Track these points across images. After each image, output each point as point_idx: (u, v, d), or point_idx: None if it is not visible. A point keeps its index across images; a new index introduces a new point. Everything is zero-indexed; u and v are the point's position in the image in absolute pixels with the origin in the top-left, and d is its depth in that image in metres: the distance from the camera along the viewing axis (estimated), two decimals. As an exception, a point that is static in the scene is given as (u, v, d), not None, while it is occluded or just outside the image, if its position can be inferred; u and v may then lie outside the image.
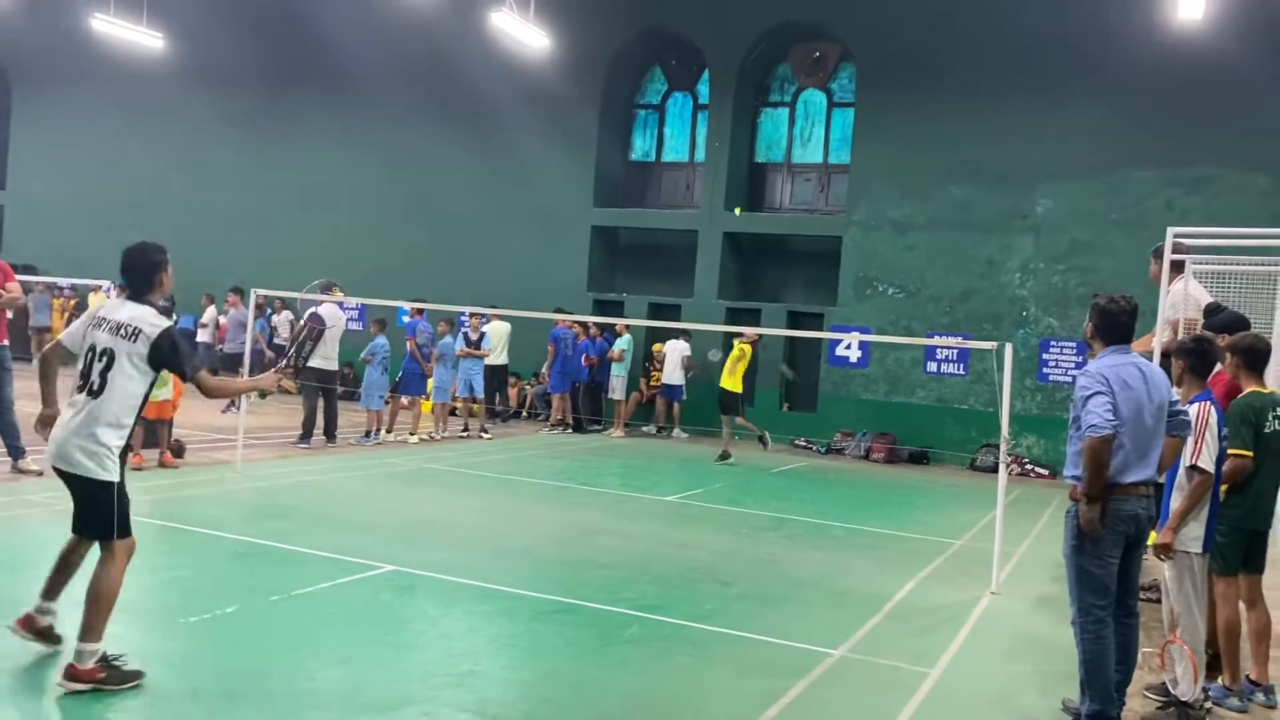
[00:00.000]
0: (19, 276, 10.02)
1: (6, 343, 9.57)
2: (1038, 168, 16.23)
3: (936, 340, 15.56)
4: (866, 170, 17.49)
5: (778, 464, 14.37)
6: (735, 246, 18.81)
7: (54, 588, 4.92)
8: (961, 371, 16.75)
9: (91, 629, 4.54)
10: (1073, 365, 15.74)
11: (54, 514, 8.05)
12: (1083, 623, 4.79)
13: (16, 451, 9.50)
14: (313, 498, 9.89)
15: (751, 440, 15.09)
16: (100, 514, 4.64)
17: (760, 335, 15.42)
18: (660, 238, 19.61)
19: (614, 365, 17.44)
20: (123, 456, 4.72)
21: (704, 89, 19.44)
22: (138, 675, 4.62)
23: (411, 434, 14.60)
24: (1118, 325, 4.91)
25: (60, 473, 4.70)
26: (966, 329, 16.44)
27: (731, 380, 14.43)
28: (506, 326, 16.64)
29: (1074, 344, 15.77)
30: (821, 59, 18.84)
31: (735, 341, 14.83)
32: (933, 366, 16.98)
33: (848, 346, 17.39)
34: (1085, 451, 4.62)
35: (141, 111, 23.30)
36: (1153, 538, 5.17)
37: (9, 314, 9.76)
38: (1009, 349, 8.08)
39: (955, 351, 16.68)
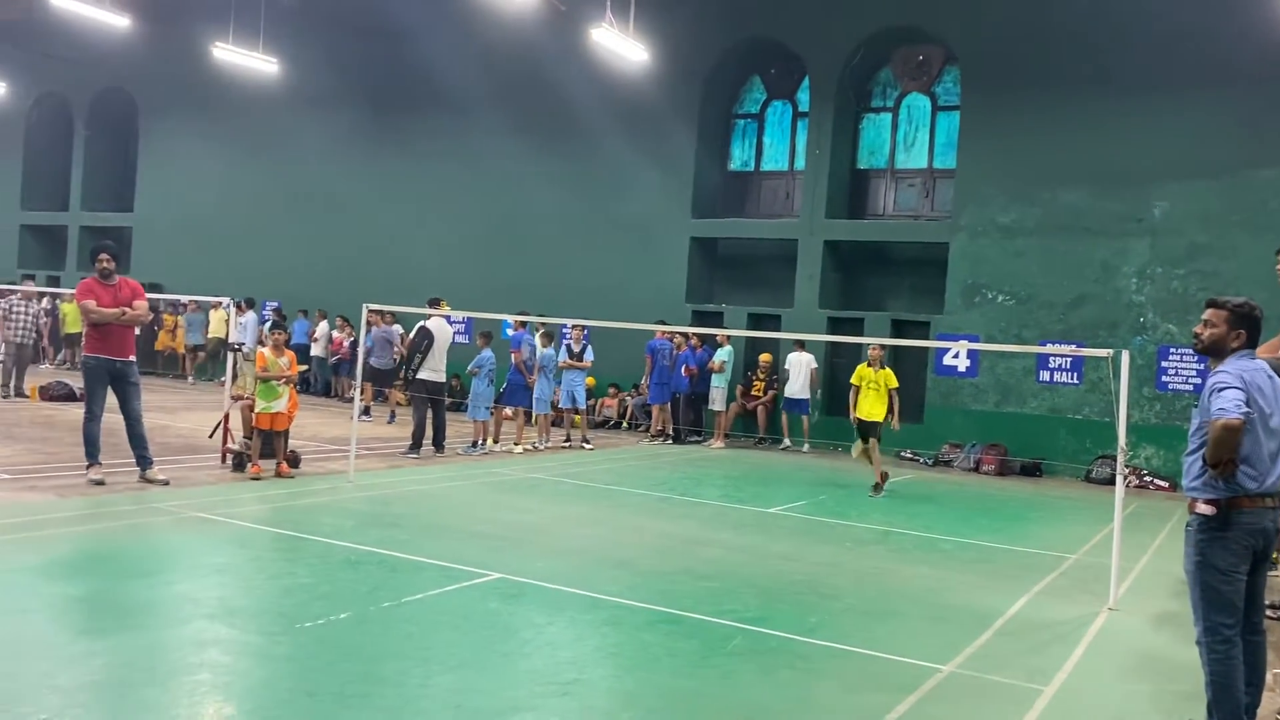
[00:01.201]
0: (149, 295, 10.49)
1: (134, 358, 10.03)
2: (1154, 169, 15.65)
3: (1049, 348, 15.11)
4: (973, 174, 17.12)
5: (883, 475, 14.11)
6: (836, 255, 18.61)
7: None
8: (1075, 380, 16.23)
9: None
10: (1194, 373, 15.11)
11: (180, 521, 8.43)
12: (1209, 642, 4.59)
13: (145, 462, 9.96)
14: (422, 506, 10.12)
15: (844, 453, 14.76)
16: None
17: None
18: (759, 247, 19.53)
19: (714, 376, 17.40)
20: None
21: (804, 96, 19.31)
22: None
23: (516, 444, 14.81)
24: (1259, 333, 4.81)
25: None
26: (1080, 337, 15.92)
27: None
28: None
29: (1195, 351, 15.13)
30: (925, 62, 18.54)
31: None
32: (1045, 375, 16.48)
33: (955, 355, 17.01)
34: (1211, 432, 4.45)
35: (257, 135, 24.28)
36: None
37: (136, 330, 10.23)
38: (1125, 356, 7.81)
39: (1069, 360, 16.17)
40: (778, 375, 18.05)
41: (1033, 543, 10.23)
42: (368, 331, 18.98)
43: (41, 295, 21.56)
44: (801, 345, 17.28)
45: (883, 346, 12.99)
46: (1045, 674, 5.79)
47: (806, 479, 13.83)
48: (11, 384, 16.91)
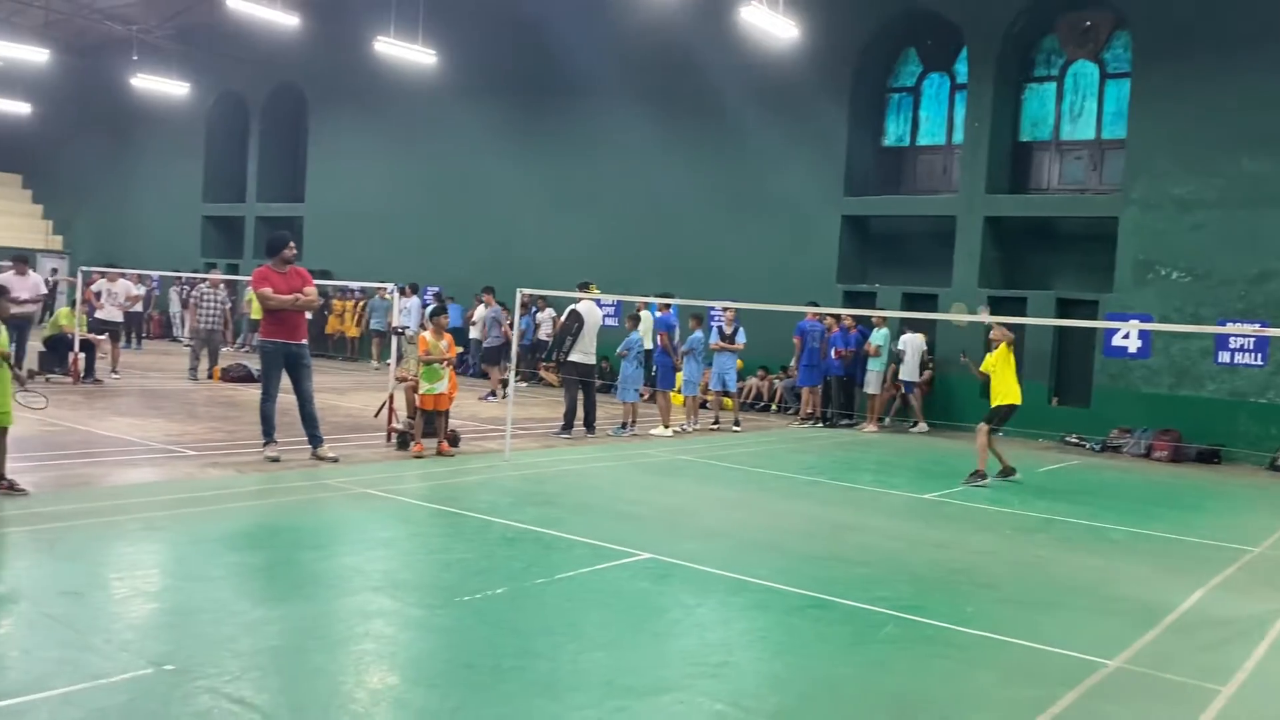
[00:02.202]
0: (316, 281, 11.03)
1: (306, 341, 10.56)
2: (1352, 132, 14.44)
3: (1230, 328, 14.21)
4: (1145, 145, 16.18)
5: (1045, 462, 13.57)
6: (997, 231, 17.92)
7: None
8: (1259, 362, 15.18)
9: None
10: (1398, 354, 13.91)
11: (348, 497, 8.85)
12: None
13: (316, 440, 10.49)
14: (574, 486, 10.32)
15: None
16: None
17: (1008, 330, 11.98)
18: (915, 225, 19.01)
19: (870, 359, 17.05)
20: None
21: (962, 68, 18.65)
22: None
23: (664, 426, 14.86)
24: None
25: None
26: (1265, 315, 14.87)
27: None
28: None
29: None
30: (1092, 28, 17.59)
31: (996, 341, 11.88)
32: (1225, 356, 15.48)
33: (1126, 336, 16.17)
34: None
35: (415, 125, 25.14)
36: None
37: (307, 315, 10.76)
38: (1317, 337, 7.25)
39: (1251, 340, 15.14)
40: (933, 358, 17.60)
41: (1210, 534, 9.65)
42: (523, 314, 19.40)
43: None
44: (912, 326, 16.85)
45: (1010, 327, 11.89)
46: (1223, 673, 5.46)
47: (964, 464, 13.41)
48: (200, 367, 18.10)
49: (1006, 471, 11.96)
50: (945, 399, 17.46)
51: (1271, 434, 14.90)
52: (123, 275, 18.73)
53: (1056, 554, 8.37)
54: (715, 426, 15.72)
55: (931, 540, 8.59)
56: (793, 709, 4.72)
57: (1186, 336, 15.66)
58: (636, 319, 14.90)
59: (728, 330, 16.02)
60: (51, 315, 18.32)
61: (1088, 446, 15.89)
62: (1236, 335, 15.15)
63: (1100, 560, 8.23)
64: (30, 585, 5.86)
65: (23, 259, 16.44)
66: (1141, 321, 15.31)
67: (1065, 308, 16.92)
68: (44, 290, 17.46)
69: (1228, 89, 15.39)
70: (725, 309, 16.16)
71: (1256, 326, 13.84)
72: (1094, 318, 16.13)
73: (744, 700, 4.75)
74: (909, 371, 17.03)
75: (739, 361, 16.83)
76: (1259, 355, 15.20)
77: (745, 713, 4.58)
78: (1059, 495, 11.40)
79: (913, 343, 16.99)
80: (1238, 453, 15.09)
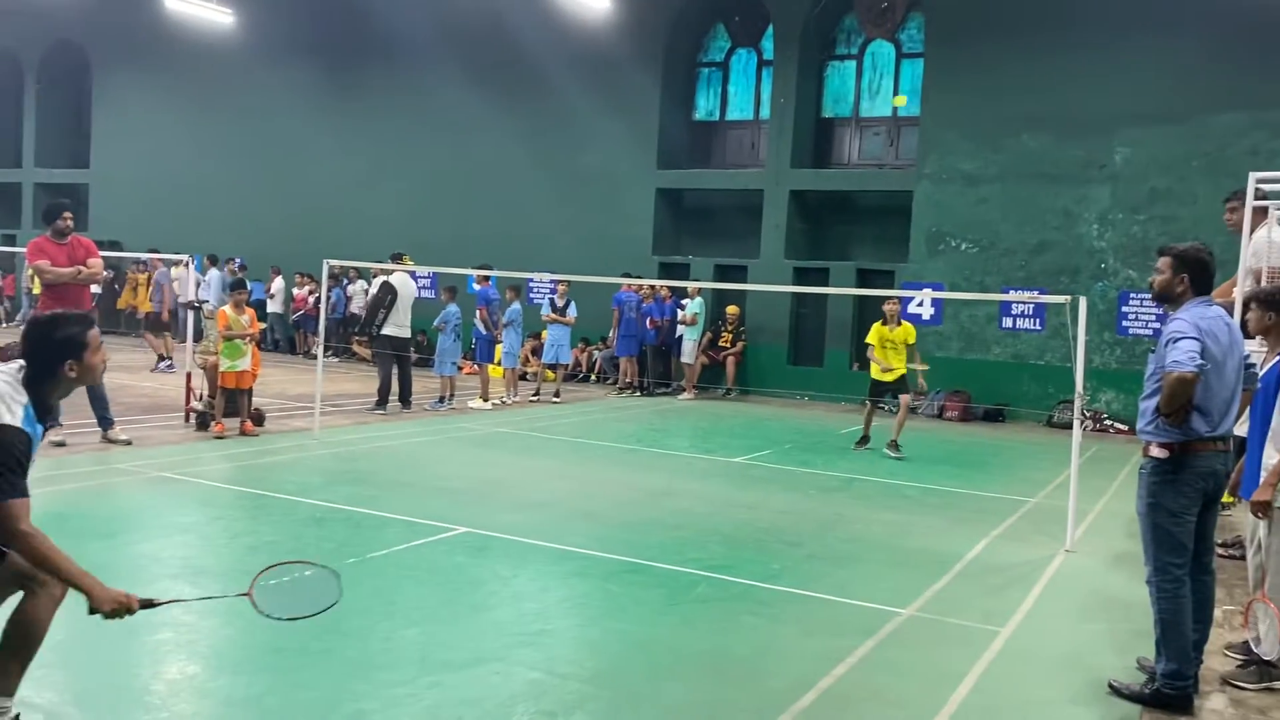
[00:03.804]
0: (103, 253, 10.31)
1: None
2: (1115, 114, 15.70)
3: (1011, 295, 15.25)
4: (937, 122, 17.11)
5: (846, 424, 14.25)
6: (802, 205, 18.59)
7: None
8: (1038, 327, 16.39)
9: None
10: (1153, 318, 15.30)
11: (143, 481, 8.37)
12: (1159, 582, 4.69)
13: (106, 422, 9.86)
14: (388, 462, 10.11)
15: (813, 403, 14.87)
16: None
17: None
18: (725, 198, 19.47)
19: (686, 329, 17.40)
20: None
21: (768, 45, 19.15)
22: None
23: (483, 399, 14.75)
24: (1210, 276, 4.81)
25: None
26: (1043, 283, 16.06)
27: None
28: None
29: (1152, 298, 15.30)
30: (889, 9, 18.37)
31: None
32: (1008, 322, 16.64)
33: (919, 304, 17.12)
34: (1165, 384, 4.53)
35: (214, 88, 23.79)
36: (1228, 496, 5.04)
37: (94, 289, 10.07)
38: (1083, 303, 7.90)
39: (1031, 306, 16.33)
40: (745, 328, 18.11)
41: (994, 487, 10.39)
42: (333, 286, 18.75)
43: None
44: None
45: (898, 300, 12.40)
46: (1001, 615, 5.91)
47: (773, 429, 13.94)
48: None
49: (861, 440, 12.39)
50: (756, 368, 18.04)
51: (1049, 393, 16.13)
52: None
53: (857, 511, 8.82)
54: (535, 398, 15.71)
55: (742, 502, 8.89)
56: (607, 671, 4.82)
57: (974, 304, 16.73)
58: (453, 291, 14.66)
59: (560, 303, 16.01)
60: None
61: (886, 409, 16.71)
62: (1017, 302, 16.29)
63: (896, 515, 8.73)
64: None
65: None
66: (933, 290, 16.25)
67: (865, 278, 17.75)
68: None
69: (1010, 71, 16.44)
70: (557, 282, 16.15)
71: (1034, 294, 14.94)
72: (891, 287, 16.98)
73: (560, 666, 4.81)
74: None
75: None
76: (1037, 321, 16.41)
77: (561, 679, 4.64)
78: (859, 456, 12.00)
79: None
80: (1020, 411, 16.28)
